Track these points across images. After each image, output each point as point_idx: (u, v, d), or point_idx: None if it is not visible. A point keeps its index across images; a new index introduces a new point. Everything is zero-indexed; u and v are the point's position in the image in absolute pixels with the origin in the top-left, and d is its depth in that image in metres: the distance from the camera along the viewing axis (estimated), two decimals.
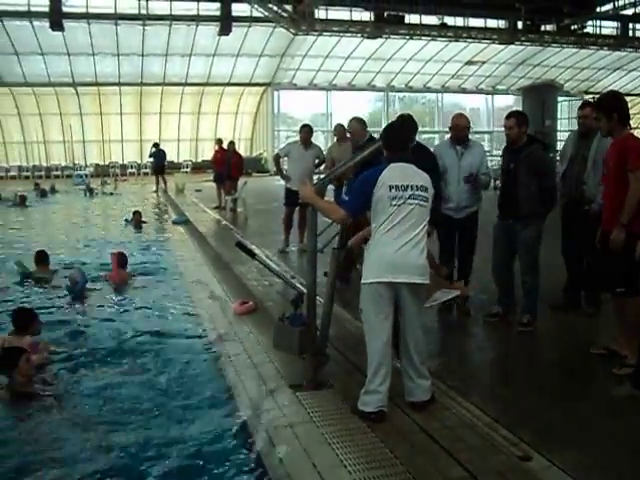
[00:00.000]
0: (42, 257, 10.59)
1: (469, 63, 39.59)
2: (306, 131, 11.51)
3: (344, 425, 4.55)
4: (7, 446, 4.93)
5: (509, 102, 45.30)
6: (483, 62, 39.70)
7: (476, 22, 34.11)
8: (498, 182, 8.92)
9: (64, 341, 7.35)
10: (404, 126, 5.25)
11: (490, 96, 45.42)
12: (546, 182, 6.69)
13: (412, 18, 32.25)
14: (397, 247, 4.53)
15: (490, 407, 4.77)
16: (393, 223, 4.54)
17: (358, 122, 8.99)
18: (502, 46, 36.37)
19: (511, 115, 6.86)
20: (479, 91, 44.55)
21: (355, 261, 7.91)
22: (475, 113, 45.33)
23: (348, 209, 4.69)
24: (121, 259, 10.49)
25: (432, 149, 7.65)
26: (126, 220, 17.30)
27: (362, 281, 4.70)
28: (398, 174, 4.64)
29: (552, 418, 4.63)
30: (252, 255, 5.67)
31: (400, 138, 5.01)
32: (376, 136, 7.53)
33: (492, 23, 34.56)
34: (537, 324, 6.76)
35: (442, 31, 33.46)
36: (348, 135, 9.55)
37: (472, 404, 4.83)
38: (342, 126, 10.49)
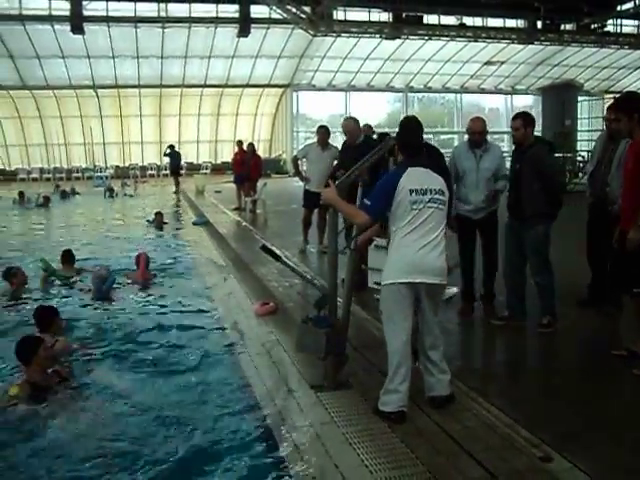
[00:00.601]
0: (68, 256, 10.83)
1: (488, 63, 39.41)
2: (323, 132, 11.52)
3: (365, 425, 4.59)
4: (18, 441, 5.05)
5: (528, 102, 45.01)
6: (502, 62, 39.50)
7: (495, 22, 33.90)
8: None
9: (87, 339, 7.48)
10: (416, 129, 5.28)
11: (509, 96, 45.11)
12: (547, 183, 6.66)
13: (431, 18, 32.13)
14: (417, 249, 4.62)
15: (511, 408, 4.78)
16: (413, 226, 4.64)
17: (354, 121, 9.06)
18: (521, 46, 36.15)
19: (518, 116, 6.86)
20: (498, 91, 44.29)
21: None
22: (494, 113, 45.18)
23: (370, 213, 4.72)
24: (145, 260, 10.68)
25: (450, 150, 7.68)
26: (148, 221, 17.52)
27: (382, 282, 4.77)
28: (417, 178, 4.73)
29: (573, 419, 4.64)
30: (277, 258, 5.69)
31: (415, 142, 5.10)
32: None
33: (511, 23, 34.33)
34: (557, 325, 6.74)
35: (461, 31, 33.32)
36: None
37: (492, 405, 4.85)
38: (369, 127, 10.80)
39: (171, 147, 27.84)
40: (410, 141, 5.08)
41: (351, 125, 9.12)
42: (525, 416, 4.64)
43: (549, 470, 3.95)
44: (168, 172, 29.83)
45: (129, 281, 10.36)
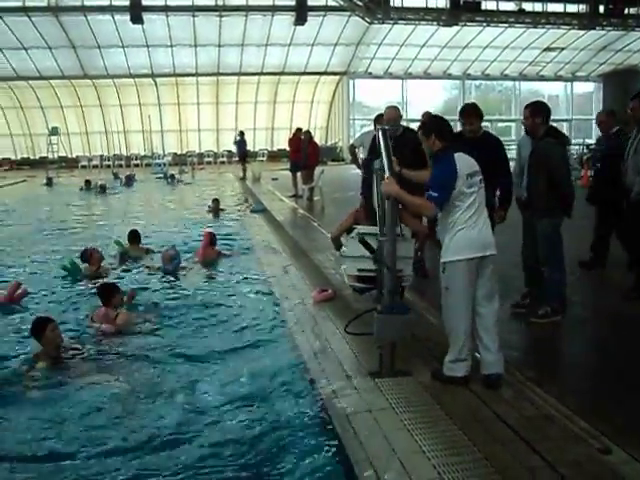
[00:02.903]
0: (134, 236, 11.48)
1: (548, 50, 38.66)
2: (381, 121, 11.46)
3: (423, 412, 4.64)
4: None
5: (589, 89, 44.12)
6: (562, 48, 38.69)
7: (555, 7, 33.18)
8: None
9: (149, 315, 7.82)
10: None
11: (569, 83, 44.25)
12: (551, 177, 6.50)
13: (489, 5, 31.71)
14: (480, 227, 5.00)
15: (569, 399, 4.76)
16: (474, 208, 4.96)
17: (397, 110, 8.95)
18: (582, 31, 35.23)
19: (527, 105, 6.79)
20: (558, 78, 43.45)
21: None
22: (554, 101, 44.27)
23: (437, 203, 4.96)
24: (211, 238, 11.18)
25: (506, 139, 7.67)
26: (209, 207, 17.77)
27: (450, 259, 5.00)
28: (465, 162, 5.00)
29: (632, 411, 4.59)
30: (372, 251, 5.77)
31: (450, 128, 5.35)
32: None
33: (572, 8, 33.57)
34: (613, 316, 6.66)
35: (520, 17, 32.75)
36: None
37: (551, 395, 4.84)
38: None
39: (241, 134, 28.18)
40: (445, 128, 5.29)
41: (394, 114, 8.91)
42: (583, 407, 4.62)
43: (608, 462, 3.94)
44: (225, 160, 30.24)
45: (197, 259, 10.80)
